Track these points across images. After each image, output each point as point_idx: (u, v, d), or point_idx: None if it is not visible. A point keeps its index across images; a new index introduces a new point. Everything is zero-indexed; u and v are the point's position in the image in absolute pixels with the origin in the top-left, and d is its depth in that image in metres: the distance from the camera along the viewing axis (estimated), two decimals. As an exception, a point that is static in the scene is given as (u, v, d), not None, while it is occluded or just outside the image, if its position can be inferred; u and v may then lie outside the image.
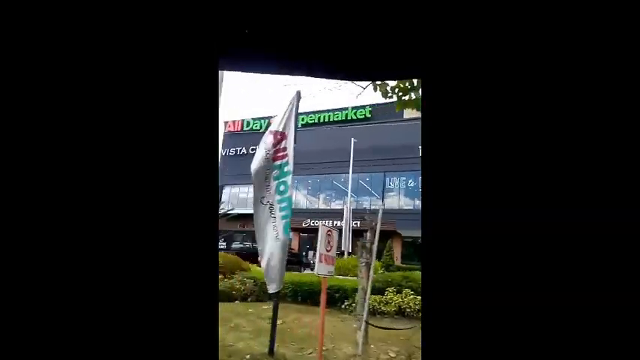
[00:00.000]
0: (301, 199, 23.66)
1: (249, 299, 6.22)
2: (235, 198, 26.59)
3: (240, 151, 27.17)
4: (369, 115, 23.98)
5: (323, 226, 3.06)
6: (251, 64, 0.98)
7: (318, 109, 25.68)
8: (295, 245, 21.72)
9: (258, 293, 6.31)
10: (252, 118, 27.32)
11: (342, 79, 1.20)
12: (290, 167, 4.01)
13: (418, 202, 19.37)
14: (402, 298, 5.63)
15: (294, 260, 14.07)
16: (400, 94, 2.13)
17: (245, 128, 27.86)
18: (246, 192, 26.82)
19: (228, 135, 28.32)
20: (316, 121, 25.77)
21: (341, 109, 25.01)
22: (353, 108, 24.75)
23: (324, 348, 3.72)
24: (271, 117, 27.28)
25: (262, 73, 0.98)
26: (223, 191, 27.15)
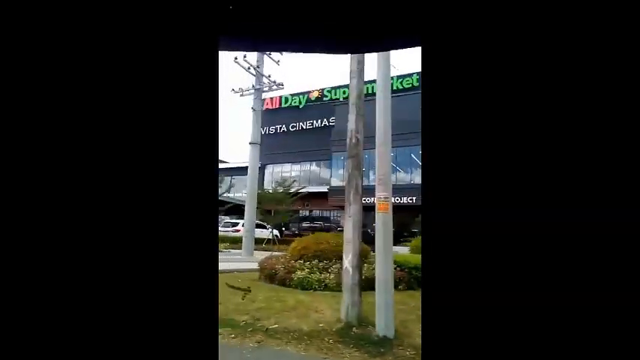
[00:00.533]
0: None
1: (399, 287, 5.54)
2: (278, 177, 26.10)
3: (280, 129, 26.42)
4: (417, 84, 22.60)
5: None
6: (252, 42, 0.96)
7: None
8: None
9: (407, 280, 5.63)
10: (291, 94, 26.29)
11: (343, 52, 1.03)
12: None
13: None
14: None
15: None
16: None
17: (283, 105, 26.90)
18: (289, 171, 26.33)
19: (266, 113, 27.50)
20: (359, 93, 24.61)
21: (385, 79, 23.67)
22: (398, 77, 23.40)
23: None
24: (310, 91, 26.30)
25: (263, 50, 0.89)
26: (265, 171, 26.66)
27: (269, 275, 5.88)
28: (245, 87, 11.48)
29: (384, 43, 0.94)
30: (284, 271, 5.69)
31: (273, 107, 27.00)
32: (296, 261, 5.93)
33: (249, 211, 10.64)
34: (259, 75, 11.07)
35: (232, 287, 4.86)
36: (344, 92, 25.06)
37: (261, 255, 10.27)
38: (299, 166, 25.99)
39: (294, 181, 18.90)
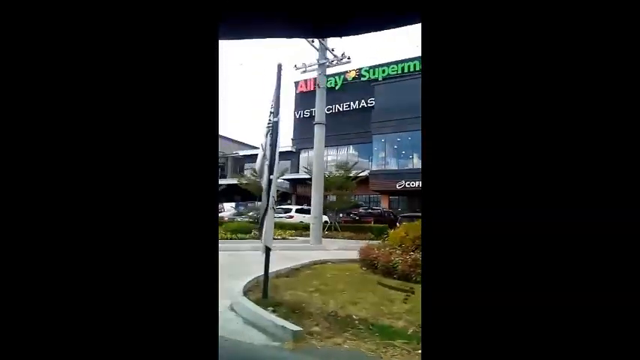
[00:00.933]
0: (391, 159, 21.83)
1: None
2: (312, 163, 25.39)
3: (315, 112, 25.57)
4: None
5: None
6: (253, 28, 0.94)
7: (401, 57, 23.23)
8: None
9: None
10: (326, 75, 25.30)
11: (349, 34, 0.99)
12: None
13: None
14: None
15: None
16: None
17: (319, 87, 25.97)
18: (325, 155, 25.56)
19: (301, 95, 26.69)
20: (399, 71, 23.41)
21: (428, 56, 22.34)
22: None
23: None
24: (347, 72, 25.22)
25: (264, 36, 0.97)
26: (300, 156, 26.00)
27: (386, 268, 5.16)
28: (308, 63, 10.65)
29: (383, 23, 0.89)
30: (405, 264, 4.96)
31: (308, 90, 26.07)
32: (414, 251, 5.18)
33: (317, 195, 9.92)
34: (323, 49, 10.21)
35: (390, 287, 4.16)
36: (383, 71, 23.95)
37: (329, 243, 9.64)
38: (335, 150, 25.18)
39: (356, 163, 18.15)
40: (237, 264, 6.41)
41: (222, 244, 8.31)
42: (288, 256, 7.25)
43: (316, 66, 10.54)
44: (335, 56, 10.47)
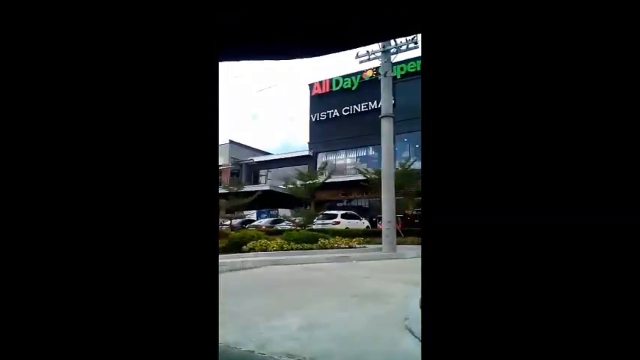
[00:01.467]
0: (414, 158, 21.06)
1: None
2: (331, 166, 24.53)
3: (332, 114, 24.74)
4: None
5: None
6: (254, 51, 0.96)
7: (418, 54, 22.58)
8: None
9: None
10: (342, 76, 24.55)
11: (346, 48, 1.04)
12: None
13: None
14: None
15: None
16: None
17: (334, 88, 25.20)
18: (344, 159, 24.79)
19: (316, 98, 25.86)
20: (418, 68, 22.75)
21: (449, 51, 21.74)
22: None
23: None
24: (363, 71, 24.51)
25: (264, 59, 1.00)
26: (318, 160, 25.14)
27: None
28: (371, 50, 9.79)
29: (385, 34, 0.98)
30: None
31: (323, 92, 25.25)
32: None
33: (388, 196, 9.04)
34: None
35: None
36: (402, 69, 23.27)
37: (403, 250, 8.77)
38: (355, 152, 24.38)
39: (415, 160, 17.33)
40: (350, 279, 5.42)
41: (296, 256, 7.40)
42: (376, 267, 6.39)
43: (379, 53, 9.68)
44: (397, 42, 9.61)
